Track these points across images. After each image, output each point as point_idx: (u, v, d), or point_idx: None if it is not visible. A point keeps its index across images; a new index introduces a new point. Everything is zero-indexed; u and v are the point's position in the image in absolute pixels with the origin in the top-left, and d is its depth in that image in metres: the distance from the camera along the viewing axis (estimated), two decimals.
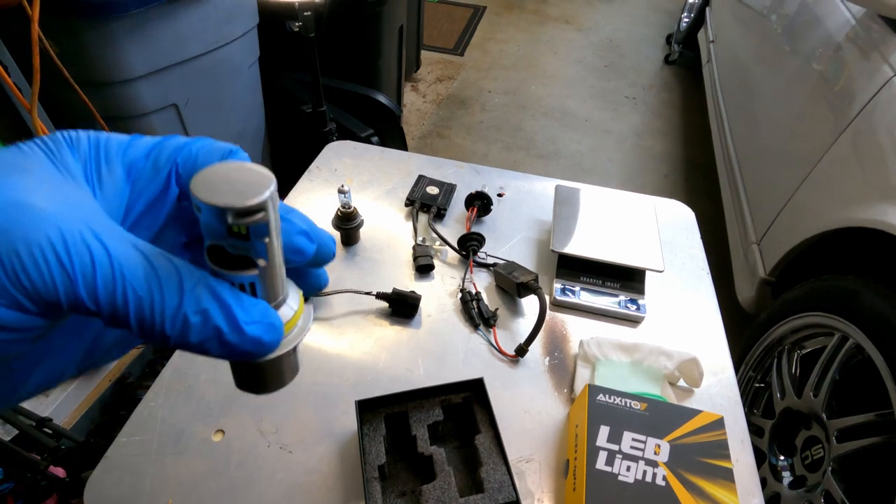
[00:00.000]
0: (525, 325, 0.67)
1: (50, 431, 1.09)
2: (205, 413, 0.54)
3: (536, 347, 0.65)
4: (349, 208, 0.72)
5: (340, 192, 0.70)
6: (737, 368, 1.28)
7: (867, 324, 0.90)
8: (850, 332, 0.94)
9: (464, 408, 0.53)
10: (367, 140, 1.65)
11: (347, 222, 0.72)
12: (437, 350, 0.64)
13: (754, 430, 1.15)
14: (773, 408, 1.10)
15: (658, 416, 0.51)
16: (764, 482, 1.06)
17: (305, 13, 1.06)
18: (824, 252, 1.18)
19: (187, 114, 1.34)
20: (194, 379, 0.57)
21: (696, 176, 2.35)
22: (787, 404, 1.07)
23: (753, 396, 1.21)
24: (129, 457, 0.51)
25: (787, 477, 1.02)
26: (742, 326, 1.34)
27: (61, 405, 1.20)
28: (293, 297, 0.21)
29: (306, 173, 0.88)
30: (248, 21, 1.39)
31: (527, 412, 0.59)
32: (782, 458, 1.05)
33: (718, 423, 0.51)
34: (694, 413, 0.51)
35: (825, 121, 1.23)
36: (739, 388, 1.24)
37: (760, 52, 1.81)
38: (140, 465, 0.51)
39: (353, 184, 0.86)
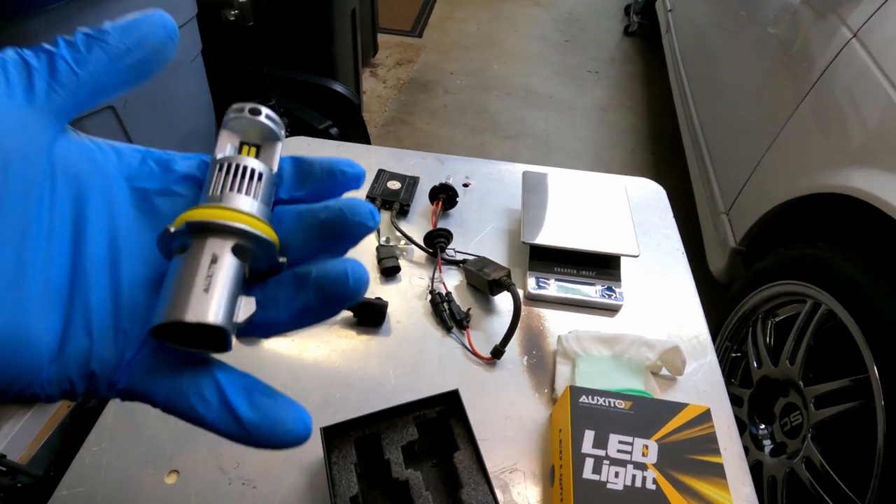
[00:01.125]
0: (500, 323, 0.64)
1: (4, 468, 1.02)
2: (156, 453, 0.49)
3: (513, 347, 0.62)
4: None
5: None
6: (713, 340, 1.28)
7: (839, 290, 0.90)
8: (823, 299, 0.94)
9: (440, 422, 0.49)
10: (325, 132, 1.57)
11: None
12: (409, 358, 0.60)
13: (733, 400, 1.15)
14: (751, 377, 1.11)
15: (644, 415, 0.49)
16: (746, 451, 1.07)
17: (241, 0, 0.98)
18: (793, 219, 1.18)
19: (127, 116, 1.24)
20: (142, 416, 0.52)
21: (662, 148, 2.36)
22: (764, 373, 1.07)
23: (731, 366, 1.22)
24: (89, 485, 0.46)
25: (767, 445, 1.03)
26: (716, 297, 1.35)
27: (15, 439, 1.12)
28: None
29: None
30: (186, 12, 1.29)
31: (508, 418, 0.55)
32: (762, 426, 1.06)
33: (705, 416, 0.49)
34: (680, 407, 0.49)
35: (786, 87, 1.23)
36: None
37: (718, 19, 1.80)
38: (96, 492, 0.45)
39: None
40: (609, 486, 0.44)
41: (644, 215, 0.80)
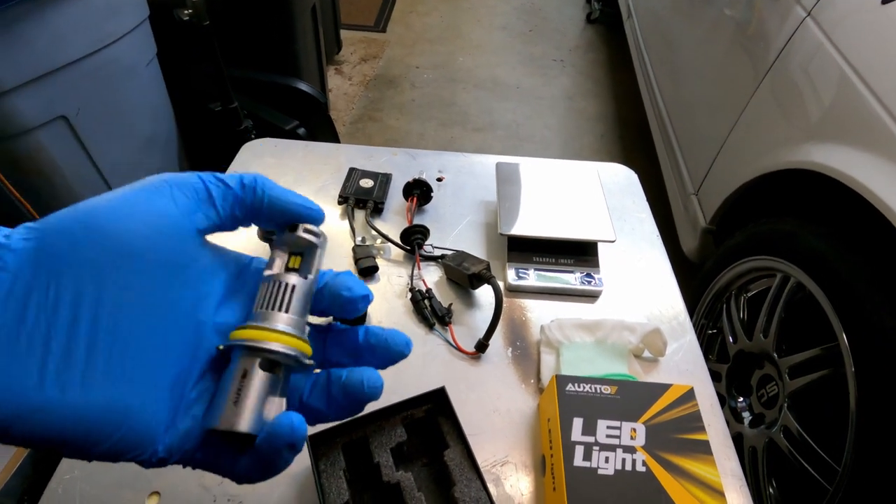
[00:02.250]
0: (482, 317, 0.64)
1: None
2: (133, 476, 0.47)
3: (497, 339, 0.61)
4: None
5: None
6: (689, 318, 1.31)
7: (805, 262, 0.93)
8: (791, 272, 0.97)
9: (428, 422, 0.49)
10: (292, 133, 1.54)
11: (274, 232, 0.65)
12: None
13: (712, 376, 1.18)
14: (728, 352, 1.14)
15: (629, 398, 0.49)
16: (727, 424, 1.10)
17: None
18: (761, 196, 1.21)
19: (81, 125, 1.19)
20: None
21: (631, 133, 2.39)
22: (739, 347, 1.10)
23: (708, 343, 1.25)
24: None
25: (746, 417, 1.06)
26: (690, 277, 1.38)
27: None
28: None
29: None
30: (137, 14, 1.24)
31: (496, 411, 0.55)
32: (740, 399, 1.09)
33: (689, 395, 0.50)
34: (664, 388, 0.50)
35: (746, 67, 1.25)
36: None
37: (677, 2, 1.83)
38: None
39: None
40: (600, 471, 0.44)
41: (617, 200, 0.81)
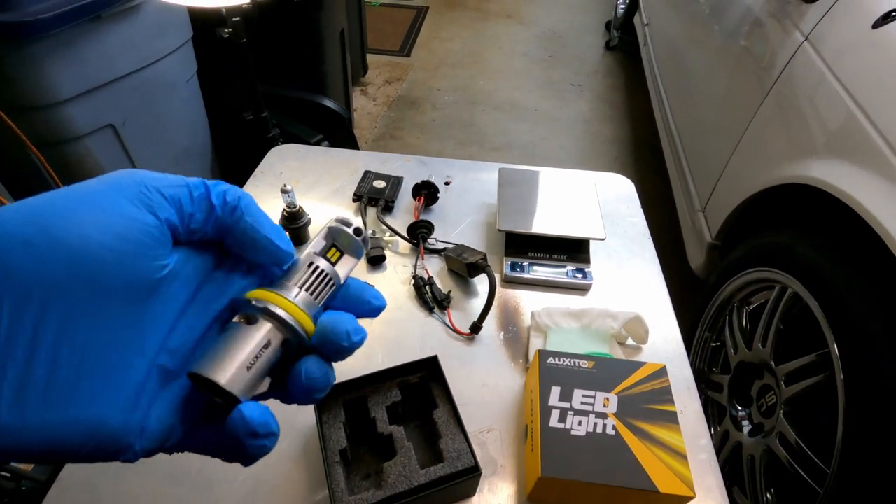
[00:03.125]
0: (478, 304, 0.69)
1: (8, 475, 1.04)
2: None
3: (491, 323, 0.67)
4: (294, 208, 0.72)
5: (283, 191, 0.70)
6: (693, 331, 1.33)
7: (801, 272, 0.96)
8: (788, 283, 1.00)
9: (421, 387, 0.54)
10: (316, 145, 1.64)
11: (294, 222, 0.72)
12: (394, 337, 0.65)
13: (715, 387, 1.20)
14: (729, 363, 1.16)
15: (605, 372, 0.53)
16: (727, 434, 1.11)
17: (234, 18, 1.05)
18: (763, 212, 1.25)
19: (126, 134, 1.31)
20: None
21: (644, 156, 2.44)
22: (740, 358, 1.12)
23: (711, 356, 1.26)
24: (85, 474, 0.50)
25: (746, 426, 1.07)
26: (697, 292, 1.40)
27: None
28: None
29: (251, 179, 0.87)
30: (182, 34, 1.36)
31: (485, 385, 0.60)
32: (741, 409, 1.11)
33: (661, 372, 0.54)
34: (638, 365, 0.54)
35: (750, 89, 1.30)
36: (697, 350, 1.29)
37: (689, 30, 1.90)
38: (96, 481, 0.50)
39: (300, 185, 0.86)
40: (573, 432, 0.49)
41: (613, 206, 0.86)
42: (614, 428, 0.49)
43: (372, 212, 0.81)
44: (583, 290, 0.72)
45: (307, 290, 0.24)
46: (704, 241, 1.41)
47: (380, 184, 0.85)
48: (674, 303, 0.71)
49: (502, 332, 0.66)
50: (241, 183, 0.87)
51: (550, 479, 0.46)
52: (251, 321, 0.23)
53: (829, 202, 0.95)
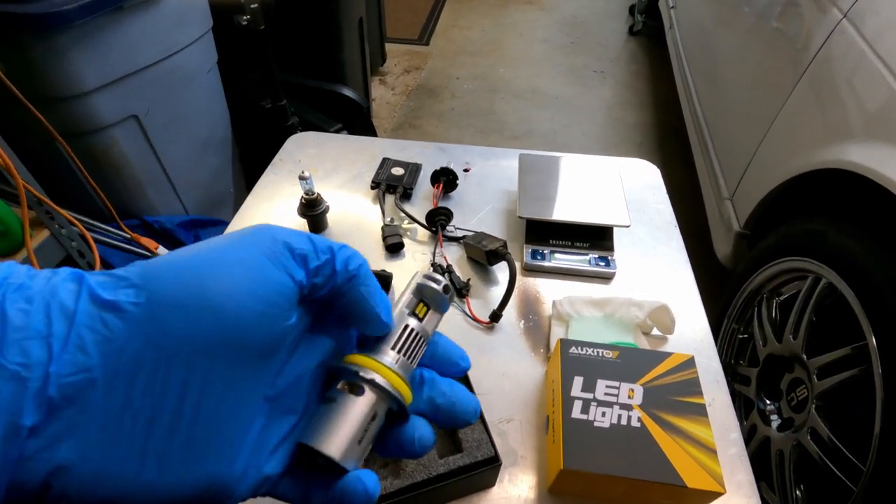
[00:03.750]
0: (498, 292, 0.68)
1: None
2: None
3: (511, 312, 0.65)
4: (312, 195, 0.71)
5: (301, 178, 0.70)
6: (720, 322, 1.30)
7: (835, 261, 0.91)
8: (822, 272, 0.95)
9: None
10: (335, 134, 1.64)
11: (312, 209, 0.72)
12: None
13: (742, 380, 1.17)
14: (758, 356, 1.12)
15: (630, 362, 0.52)
16: (754, 428, 1.08)
17: (252, 6, 1.05)
18: (794, 200, 1.20)
19: (150, 124, 1.32)
20: None
21: (669, 142, 2.37)
22: (769, 350, 1.08)
23: (738, 348, 1.23)
24: None
25: (775, 420, 1.04)
26: (724, 284, 1.36)
27: None
28: None
29: (269, 167, 0.87)
30: (202, 25, 1.37)
31: (505, 374, 0.59)
32: (769, 402, 1.07)
33: (689, 363, 0.52)
34: (665, 356, 0.52)
35: (783, 71, 1.25)
36: (724, 342, 1.26)
37: (718, 11, 1.83)
38: None
39: (318, 172, 0.86)
40: (596, 424, 0.47)
41: (638, 193, 0.83)
42: (640, 420, 0.48)
43: (390, 199, 0.80)
44: (606, 278, 0.70)
45: (404, 354, 0.24)
46: (732, 230, 1.36)
47: (398, 171, 0.84)
48: (700, 294, 0.69)
49: (523, 321, 0.65)
50: (261, 170, 0.87)
51: (573, 471, 0.45)
52: (356, 391, 0.23)
53: (865, 188, 0.90)
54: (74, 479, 0.17)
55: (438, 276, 0.27)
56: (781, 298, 1.12)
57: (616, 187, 0.76)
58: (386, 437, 0.25)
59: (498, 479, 0.50)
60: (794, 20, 1.27)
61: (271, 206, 0.80)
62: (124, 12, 1.12)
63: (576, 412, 0.48)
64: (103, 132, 1.23)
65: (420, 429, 0.25)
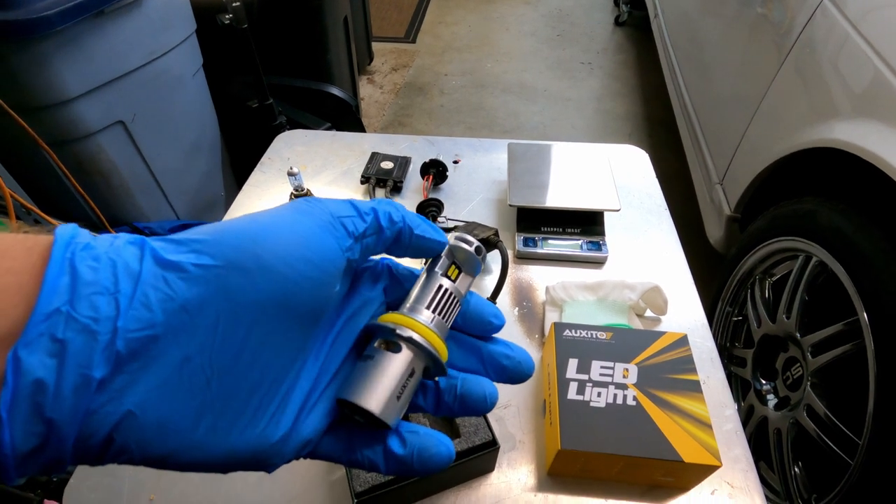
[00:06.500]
0: (491, 281, 0.68)
1: None
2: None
3: (505, 299, 0.65)
4: (302, 191, 0.71)
5: (290, 174, 0.69)
6: (714, 305, 1.30)
7: (825, 239, 0.92)
8: (813, 251, 0.96)
9: None
10: None
11: None
12: None
13: (738, 362, 1.18)
14: (752, 337, 1.13)
15: (624, 343, 0.52)
16: (752, 409, 1.09)
17: (234, 4, 1.04)
18: (783, 182, 1.21)
19: (136, 130, 1.31)
20: None
21: (659, 132, 2.38)
22: (764, 331, 1.09)
23: (734, 330, 1.24)
24: None
25: (771, 400, 1.05)
26: (718, 268, 1.37)
27: None
28: None
29: (258, 166, 0.87)
30: (186, 28, 1.36)
31: None
32: (765, 382, 1.08)
33: (682, 341, 0.52)
34: (658, 335, 0.53)
35: (767, 54, 1.25)
36: (719, 325, 1.26)
37: None
38: (117, 467, 0.50)
39: (308, 169, 0.86)
40: (592, 404, 0.48)
41: (627, 178, 0.84)
42: (635, 398, 0.48)
43: (380, 193, 0.80)
44: (598, 263, 0.70)
45: (439, 313, 0.25)
46: (723, 214, 1.37)
47: (387, 165, 0.83)
48: (694, 280, 0.69)
49: (516, 308, 0.65)
50: (250, 170, 0.87)
51: (570, 451, 0.45)
52: (393, 348, 0.23)
53: (851, 165, 0.91)
54: (135, 431, 0.18)
55: (470, 238, 0.27)
56: (774, 279, 1.13)
57: (605, 173, 0.77)
58: (457, 398, 0.25)
59: (497, 464, 0.51)
60: (777, 3, 1.28)
61: (261, 204, 0.80)
62: (106, 17, 1.11)
63: (571, 393, 0.48)
64: (89, 139, 1.22)
65: (487, 386, 0.25)
